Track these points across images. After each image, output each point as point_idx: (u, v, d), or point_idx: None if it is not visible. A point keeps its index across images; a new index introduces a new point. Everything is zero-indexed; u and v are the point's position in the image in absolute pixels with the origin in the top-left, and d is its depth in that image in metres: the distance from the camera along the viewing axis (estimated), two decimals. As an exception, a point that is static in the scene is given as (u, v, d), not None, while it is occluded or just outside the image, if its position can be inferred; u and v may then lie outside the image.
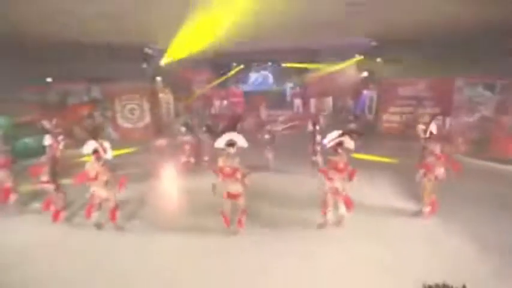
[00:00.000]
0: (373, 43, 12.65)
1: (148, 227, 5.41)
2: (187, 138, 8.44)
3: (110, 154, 5.10)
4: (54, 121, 7.35)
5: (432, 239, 4.92)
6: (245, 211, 5.14)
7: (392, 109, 12.41)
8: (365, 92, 13.70)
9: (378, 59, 12.85)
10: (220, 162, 4.92)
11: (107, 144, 5.12)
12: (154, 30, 9.30)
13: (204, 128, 8.75)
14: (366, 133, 12.27)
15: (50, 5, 6.13)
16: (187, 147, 8.36)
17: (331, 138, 4.91)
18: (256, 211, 5.61)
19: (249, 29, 8.73)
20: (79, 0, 5.94)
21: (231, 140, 4.87)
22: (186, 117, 10.16)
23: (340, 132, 4.90)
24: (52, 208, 5.52)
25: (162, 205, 6.39)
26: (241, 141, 4.91)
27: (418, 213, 5.51)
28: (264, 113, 13.52)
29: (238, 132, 5.06)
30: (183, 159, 8.35)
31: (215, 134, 6.37)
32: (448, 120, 8.61)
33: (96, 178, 4.96)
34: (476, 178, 7.16)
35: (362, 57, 13.72)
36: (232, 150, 4.85)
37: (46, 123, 7.26)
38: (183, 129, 8.55)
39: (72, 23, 7.57)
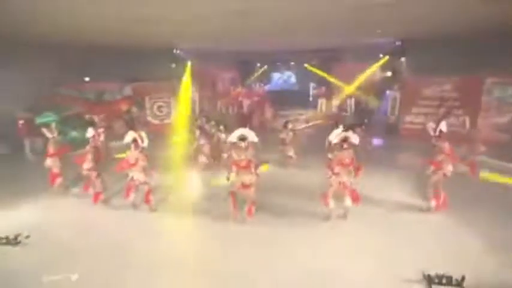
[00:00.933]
0: (398, 42, 12.47)
1: (174, 211, 6.06)
2: (202, 141, 8.45)
3: (146, 143, 5.80)
4: (101, 116, 8.20)
5: (438, 233, 5.03)
6: (255, 202, 5.52)
7: (416, 110, 12.17)
8: (388, 92, 13.51)
9: (402, 59, 12.64)
10: (235, 155, 5.36)
11: (143, 134, 5.85)
12: (182, 32, 9.91)
13: (221, 127, 8.68)
14: (388, 134, 12.18)
15: (85, 14, 6.92)
16: (204, 149, 8.43)
17: (336, 134, 5.15)
18: (270, 203, 6.00)
19: (271, 29, 9.08)
20: (114, 7, 6.62)
21: (242, 135, 5.32)
22: (200, 120, 10.03)
23: (343, 128, 5.13)
24: (90, 191, 6.33)
25: (185, 194, 7.03)
26: (251, 136, 5.35)
27: (427, 209, 5.61)
28: (268, 111, 13.74)
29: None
30: (201, 159, 8.41)
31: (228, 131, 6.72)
32: (467, 119, 8.39)
33: (135, 164, 5.66)
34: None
35: (387, 57, 13.55)
36: (243, 144, 5.29)
37: (95, 118, 8.13)
38: (197, 132, 8.66)
39: (106, 28, 8.34)
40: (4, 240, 4.82)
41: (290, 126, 8.86)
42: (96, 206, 6.21)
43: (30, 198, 6.54)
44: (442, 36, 10.65)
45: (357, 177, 5.24)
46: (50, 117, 7.80)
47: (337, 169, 5.20)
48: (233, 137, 5.40)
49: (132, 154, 5.73)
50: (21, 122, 9.79)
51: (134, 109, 12.87)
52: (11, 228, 5.10)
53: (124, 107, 12.60)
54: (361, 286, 3.86)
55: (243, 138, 5.31)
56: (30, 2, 5.80)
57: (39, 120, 8.09)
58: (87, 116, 9.45)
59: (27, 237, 4.91)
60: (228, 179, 5.48)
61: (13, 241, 4.82)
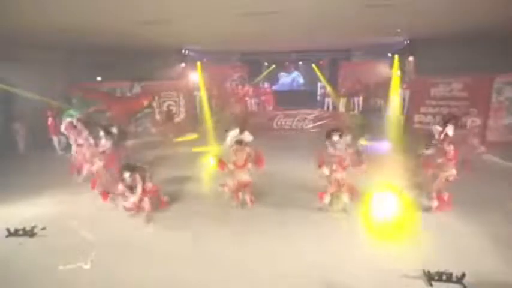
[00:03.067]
0: (406, 41, 12.38)
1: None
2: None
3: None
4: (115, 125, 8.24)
5: (439, 230, 5.06)
6: (253, 192, 5.90)
7: (424, 109, 12.09)
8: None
9: (411, 58, 12.55)
10: (233, 155, 5.61)
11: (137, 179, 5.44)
12: (191, 32, 10.09)
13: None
14: (398, 134, 12.10)
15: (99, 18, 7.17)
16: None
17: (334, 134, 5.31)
18: (278, 198, 6.22)
19: (281, 28, 9.16)
20: (124, 9, 6.84)
21: (239, 140, 5.57)
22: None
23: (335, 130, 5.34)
24: (99, 189, 6.48)
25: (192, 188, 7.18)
26: (247, 137, 5.65)
27: (428, 209, 5.63)
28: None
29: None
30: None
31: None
32: (469, 120, 8.41)
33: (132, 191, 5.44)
34: (503, 179, 7.03)
35: (397, 56, 13.44)
36: (240, 146, 5.53)
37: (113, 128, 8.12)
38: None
39: (117, 29, 8.59)
40: (21, 232, 5.08)
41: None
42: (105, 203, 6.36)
43: (47, 193, 6.87)
44: (451, 35, 10.55)
45: (359, 173, 5.34)
46: (73, 115, 8.06)
47: (334, 166, 5.38)
48: (230, 141, 5.66)
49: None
50: (49, 120, 10.18)
51: (155, 104, 13.10)
52: (28, 221, 5.37)
53: (145, 102, 12.81)
54: (361, 281, 3.94)
55: (239, 142, 5.55)
56: (41, 3, 6.04)
57: (64, 118, 8.37)
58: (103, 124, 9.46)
59: (43, 229, 5.18)
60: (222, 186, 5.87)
61: (29, 232, 5.08)
